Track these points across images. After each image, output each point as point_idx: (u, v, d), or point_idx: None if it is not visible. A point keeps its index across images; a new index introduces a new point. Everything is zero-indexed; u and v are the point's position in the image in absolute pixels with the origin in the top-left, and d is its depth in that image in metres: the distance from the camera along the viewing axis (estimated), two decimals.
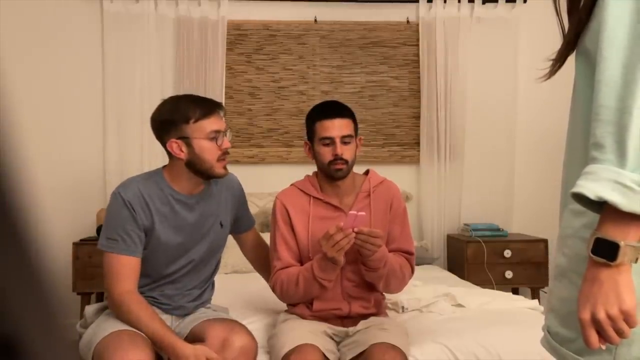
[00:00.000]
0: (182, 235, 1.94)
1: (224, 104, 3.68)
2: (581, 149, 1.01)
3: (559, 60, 1.10)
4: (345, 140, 1.98)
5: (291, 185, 2.14)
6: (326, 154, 1.99)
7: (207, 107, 1.89)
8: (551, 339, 1.05)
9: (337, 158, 1.97)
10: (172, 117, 1.88)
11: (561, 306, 1.04)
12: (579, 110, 1.04)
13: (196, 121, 1.86)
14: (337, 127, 1.98)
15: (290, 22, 3.84)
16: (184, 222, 1.94)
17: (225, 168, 1.93)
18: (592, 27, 0.99)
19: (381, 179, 2.12)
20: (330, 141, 1.98)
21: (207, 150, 1.87)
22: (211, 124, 1.87)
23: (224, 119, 1.93)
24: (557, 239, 1.08)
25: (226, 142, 1.91)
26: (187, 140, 1.87)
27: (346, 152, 1.98)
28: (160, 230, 1.90)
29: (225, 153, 1.91)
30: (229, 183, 2.08)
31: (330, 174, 2.01)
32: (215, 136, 1.88)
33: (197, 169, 1.90)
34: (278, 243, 2.03)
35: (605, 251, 0.89)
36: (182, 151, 1.87)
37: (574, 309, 0.94)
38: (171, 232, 1.92)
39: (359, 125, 3.93)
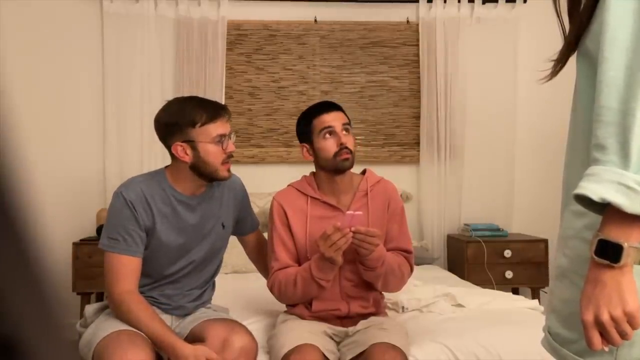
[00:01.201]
0: (183, 236, 1.94)
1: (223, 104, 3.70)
2: (582, 149, 1.01)
3: (561, 61, 1.10)
4: (345, 127, 2.00)
5: (288, 185, 2.14)
6: (330, 146, 1.98)
7: (213, 111, 1.88)
8: (552, 340, 1.05)
9: (342, 147, 1.97)
10: (178, 121, 1.86)
11: (563, 307, 1.04)
12: (581, 110, 1.03)
13: (202, 125, 1.85)
14: (336, 118, 2.00)
15: (290, 22, 3.84)
16: (185, 223, 1.94)
17: (229, 171, 1.93)
18: (593, 29, 0.99)
19: (378, 178, 2.12)
20: (332, 130, 1.98)
21: (212, 154, 1.87)
22: (217, 128, 1.87)
23: (229, 122, 1.93)
24: (558, 239, 1.08)
25: (231, 145, 1.91)
26: (192, 143, 1.86)
27: (349, 141, 1.99)
28: (162, 230, 1.90)
29: (229, 156, 1.92)
30: (232, 184, 2.08)
31: (337, 167, 1.99)
32: (220, 140, 1.87)
33: (201, 171, 1.89)
34: (275, 244, 2.03)
35: (609, 253, 0.88)
36: (187, 154, 1.87)
37: (575, 310, 0.94)
38: (172, 232, 1.92)
39: (359, 125, 3.94)
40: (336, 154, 1.97)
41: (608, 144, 0.89)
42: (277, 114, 3.85)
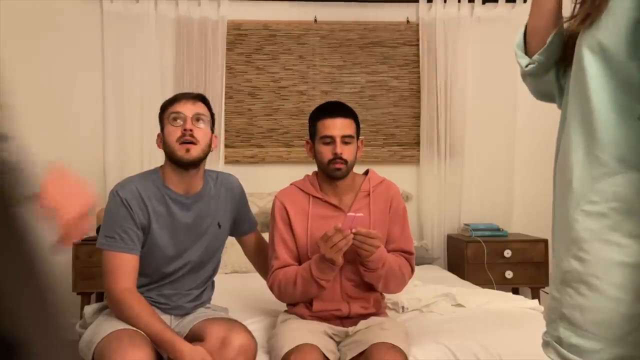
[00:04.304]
0: (178, 235, 1.94)
1: (223, 104, 3.70)
2: (586, 147, 0.98)
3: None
4: (345, 140, 1.99)
5: (291, 184, 2.14)
6: (326, 152, 1.99)
7: (177, 95, 1.96)
8: (566, 352, 0.99)
9: (336, 157, 1.98)
10: (159, 114, 1.97)
11: (577, 315, 0.97)
12: (584, 103, 0.99)
13: (165, 110, 1.94)
14: (338, 127, 1.99)
15: (290, 22, 3.83)
16: (179, 222, 1.94)
17: (187, 152, 1.87)
18: (606, 25, 0.96)
19: (381, 179, 2.12)
20: (330, 140, 1.99)
21: (168, 133, 1.91)
22: (174, 107, 1.91)
23: (198, 105, 1.93)
24: (560, 242, 1.02)
25: (188, 123, 1.88)
26: (162, 130, 1.94)
27: (346, 152, 1.98)
28: (156, 229, 1.90)
29: (187, 136, 1.87)
30: (229, 184, 2.08)
31: (329, 173, 2.01)
32: (174, 117, 1.90)
33: (168, 157, 1.93)
34: (276, 243, 2.03)
35: None
36: (161, 142, 1.95)
37: (598, 318, 0.90)
38: (167, 232, 1.92)
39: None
40: (330, 162, 1.99)
41: None
42: (277, 114, 3.85)
